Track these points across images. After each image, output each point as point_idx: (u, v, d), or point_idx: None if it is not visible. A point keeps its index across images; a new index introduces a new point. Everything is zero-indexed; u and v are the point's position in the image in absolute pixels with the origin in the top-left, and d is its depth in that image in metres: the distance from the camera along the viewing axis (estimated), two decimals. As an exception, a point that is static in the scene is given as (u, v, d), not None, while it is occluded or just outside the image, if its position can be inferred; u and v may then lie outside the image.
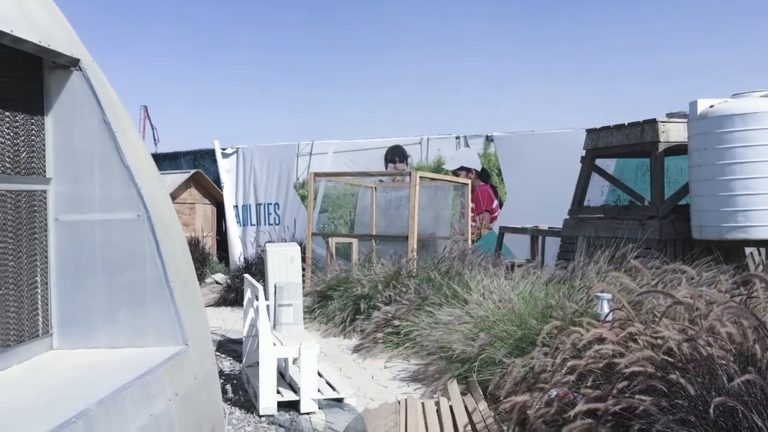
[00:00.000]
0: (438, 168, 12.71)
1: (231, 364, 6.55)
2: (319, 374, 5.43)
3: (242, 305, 9.38)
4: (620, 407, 3.20)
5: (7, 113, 3.26)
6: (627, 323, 3.83)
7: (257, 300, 5.26)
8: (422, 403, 4.68)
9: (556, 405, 3.77)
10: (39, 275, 3.53)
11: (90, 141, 3.58)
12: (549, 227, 10.13)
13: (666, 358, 3.35)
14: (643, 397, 3.17)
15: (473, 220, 12.03)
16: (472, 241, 11.25)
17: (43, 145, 3.57)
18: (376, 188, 12.37)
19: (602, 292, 4.70)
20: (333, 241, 10.73)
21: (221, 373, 5.99)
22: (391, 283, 8.04)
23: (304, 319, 6.58)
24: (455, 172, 12.53)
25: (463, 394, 4.84)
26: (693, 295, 3.93)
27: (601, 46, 48.57)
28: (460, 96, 53.88)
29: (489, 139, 12.46)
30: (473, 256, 8.48)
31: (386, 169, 13.24)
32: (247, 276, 6.21)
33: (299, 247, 6.32)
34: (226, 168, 14.60)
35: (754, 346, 3.27)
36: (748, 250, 7.92)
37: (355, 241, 10.80)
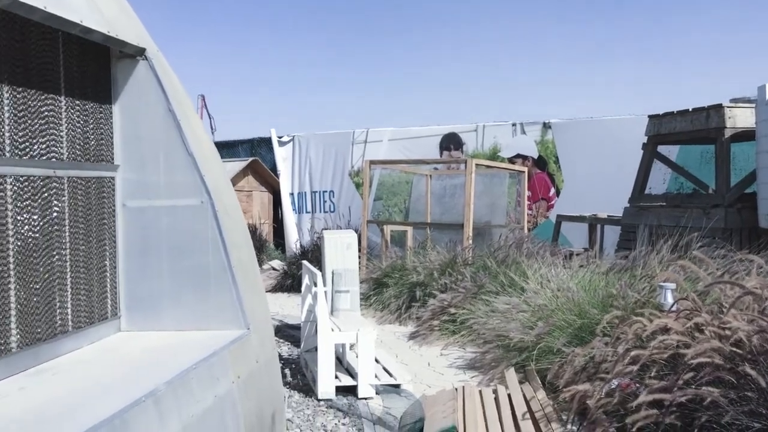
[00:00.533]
0: (494, 156, 12.59)
1: (289, 348, 6.65)
2: (376, 360, 5.46)
3: (299, 291, 9.51)
4: (686, 398, 3.13)
5: (77, 102, 3.36)
6: (693, 313, 3.73)
7: (315, 286, 5.32)
8: (480, 391, 4.67)
9: (618, 395, 3.71)
10: (108, 260, 3.64)
11: (155, 129, 3.66)
12: (608, 215, 9.94)
13: (735, 349, 3.26)
14: (710, 389, 3.08)
15: (529, 209, 11.89)
16: (528, 230, 11.12)
17: (111, 132, 3.67)
18: (431, 176, 12.33)
19: (666, 281, 4.59)
20: (388, 229, 10.75)
21: (280, 357, 6.09)
22: (447, 270, 8.03)
23: (360, 305, 6.62)
24: (511, 160, 12.40)
25: (520, 382, 4.80)
26: (763, 286, 3.81)
27: (660, 29, 47.18)
28: (518, 82, 53.16)
29: (546, 126, 12.27)
30: (530, 244, 8.39)
31: (441, 156, 13.18)
32: (305, 262, 6.28)
33: (356, 234, 6.36)
34: (282, 156, 14.77)
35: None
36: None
37: (409, 229, 10.81)
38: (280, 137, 14.81)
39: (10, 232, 2.88)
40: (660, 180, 10.69)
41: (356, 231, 7.11)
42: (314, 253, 10.76)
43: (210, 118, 22.31)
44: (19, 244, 2.94)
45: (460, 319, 6.82)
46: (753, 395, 3.06)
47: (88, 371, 3.01)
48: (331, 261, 6.06)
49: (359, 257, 8.00)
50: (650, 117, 9.29)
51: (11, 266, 2.88)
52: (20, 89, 2.96)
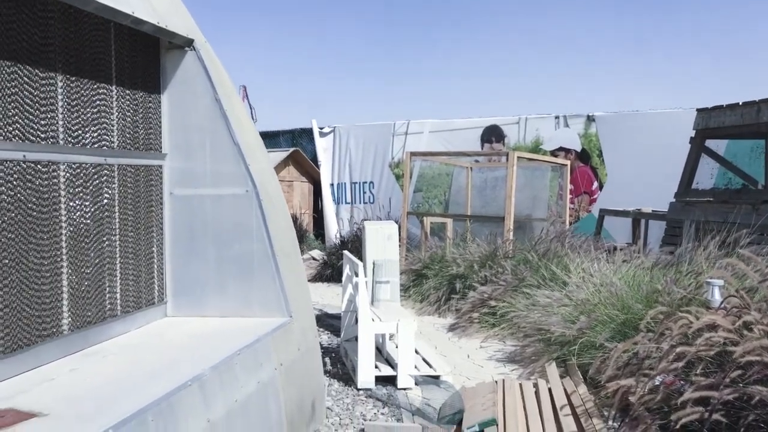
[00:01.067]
0: (536, 148, 12.46)
1: (329, 338, 6.70)
2: (416, 351, 5.47)
3: (338, 281, 9.56)
4: (733, 396, 3.07)
5: (127, 91, 3.43)
6: (742, 311, 3.65)
7: (356, 276, 5.35)
8: (520, 384, 4.64)
9: (662, 392, 3.66)
10: (155, 246, 3.72)
11: (202, 118, 3.72)
12: (652, 210, 9.76)
13: (785, 348, 3.18)
14: (759, 387, 3.02)
15: (571, 202, 11.74)
16: (570, 224, 10.99)
17: (159, 122, 3.74)
18: (471, 168, 12.27)
19: (713, 278, 4.50)
20: (428, 221, 10.73)
21: (320, 346, 6.14)
22: (487, 263, 7.99)
23: (399, 296, 6.63)
24: (554, 153, 12.25)
25: (561, 377, 4.76)
26: (816, 284, 3.70)
27: (708, 19, 45.99)
28: (560, 74, 52.45)
29: (590, 119, 12.09)
30: (573, 238, 8.29)
31: (482, 149, 13.10)
32: (346, 253, 6.32)
33: (396, 226, 6.37)
34: (323, 147, 14.84)
35: None
36: None
37: (449, 221, 10.77)
38: (320, 128, 14.88)
39: (63, 218, 2.96)
40: (707, 175, 10.45)
41: (396, 222, 7.13)
42: (354, 244, 10.81)
43: (251, 109, 22.55)
44: (71, 229, 3.02)
45: (500, 312, 6.79)
46: (803, 395, 2.98)
47: (136, 355, 3.08)
48: (372, 252, 6.08)
49: (399, 248, 8.01)
50: (698, 111, 9.09)
51: (64, 251, 2.97)
52: (73, 78, 3.03)
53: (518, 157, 9.69)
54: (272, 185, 4.00)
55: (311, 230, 15.33)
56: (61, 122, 2.95)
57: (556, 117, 12.52)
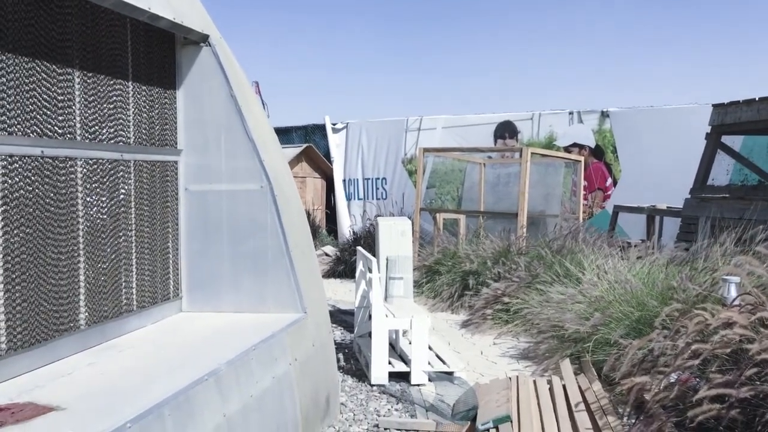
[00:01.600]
0: (549, 144, 12.40)
1: (342, 333, 6.71)
2: (429, 347, 5.47)
3: (351, 277, 9.57)
4: (751, 394, 3.05)
5: (143, 87, 3.44)
6: (758, 308, 3.62)
7: (370, 272, 5.35)
8: (534, 381, 4.63)
9: (677, 389, 3.64)
10: (171, 242, 3.74)
11: (217, 114, 3.73)
12: (667, 207, 9.70)
13: (802, 346, 3.15)
14: (777, 386, 3.00)
15: (585, 199, 11.69)
16: (583, 220, 10.94)
17: (175, 118, 3.76)
18: (484, 164, 12.24)
19: (729, 275, 4.47)
20: (441, 217, 10.72)
21: (333, 342, 6.15)
22: (500, 259, 7.97)
23: (413, 293, 6.63)
24: (567, 149, 12.19)
25: (575, 373, 4.75)
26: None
27: (724, 13, 45.57)
28: (575, 70, 52.13)
29: (604, 115, 12.02)
30: (587, 234, 8.26)
31: (495, 145, 13.06)
32: (360, 249, 6.32)
33: (410, 222, 6.36)
34: (336, 143, 14.86)
35: None
36: None
37: (462, 217, 10.76)
38: (333, 124, 14.89)
39: (80, 214, 2.99)
40: (723, 171, 10.37)
41: (409, 218, 7.12)
42: (366, 240, 10.82)
43: (264, 105, 22.61)
44: (88, 225, 3.04)
45: (513, 309, 6.78)
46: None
47: (152, 349, 3.10)
48: (386, 247, 6.08)
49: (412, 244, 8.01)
50: (714, 106, 9.01)
51: (81, 246, 2.99)
52: (90, 74, 3.05)
53: (532, 153, 9.66)
54: (286, 181, 4.01)
55: (324, 226, 15.35)
56: (78, 118, 2.97)
57: (570, 113, 12.46)
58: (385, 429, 4.10)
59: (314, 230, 13.96)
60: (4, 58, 2.56)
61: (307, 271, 3.92)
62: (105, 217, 3.17)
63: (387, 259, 6.01)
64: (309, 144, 15.30)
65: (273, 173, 3.74)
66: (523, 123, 12.90)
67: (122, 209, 3.31)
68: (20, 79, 2.64)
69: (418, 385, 4.97)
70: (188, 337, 3.34)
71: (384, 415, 4.33)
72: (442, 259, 8.86)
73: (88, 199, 3.04)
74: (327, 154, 15.10)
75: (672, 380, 3.75)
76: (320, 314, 4.01)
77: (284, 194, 3.82)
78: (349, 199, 14.84)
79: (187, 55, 3.75)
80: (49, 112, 2.79)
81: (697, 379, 3.68)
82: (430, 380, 5.06)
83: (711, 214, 8.14)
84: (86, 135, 3.03)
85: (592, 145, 12.14)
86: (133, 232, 3.40)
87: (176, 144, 3.77)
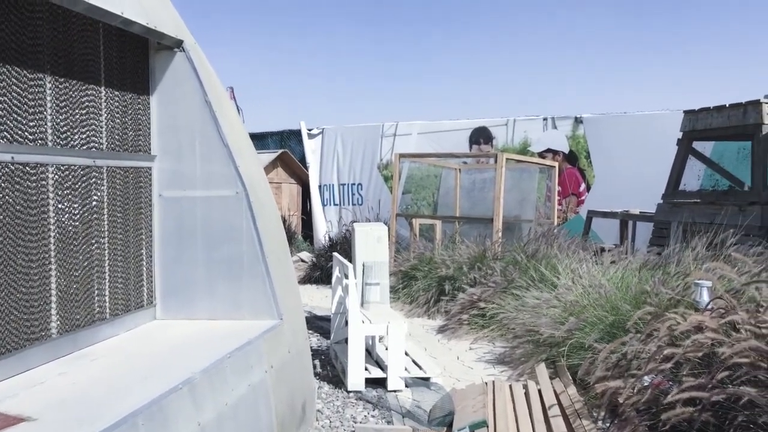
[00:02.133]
0: (524, 150, 12.51)
1: (318, 340, 6.69)
2: (406, 353, 5.47)
3: (327, 283, 9.54)
4: (722, 397, 3.09)
5: (116, 93, 3.41)
6: (729, 312, 3.68)
7: (346, 278, 5.34)
8: (510, 386, 4.65)
9: (650, 393, 3.68)
10: (144, 249, 3.70)
11: (192, 120, 3.71)
12: (640, 212, 9.83)
13: (772, 348, 3.21)
14: (748, 388, 3.04)
15: (559, 204, 11.80)
16: (558, 225, 11.04)
17: (149, 123, 3.73)
18: (460, 170, 12.30)
19: (701, 279, 4.54)
20: (417, 222, 10.75)
21: (310, 348, 6.13)
22: (476, 265, 8.00)
23: (389, 298, 6.63)
24: (541, 155, 12.30)
25: (551, 378, 4.78)
26: (802, 285, 3.74)
27: (694, 21, 46.29)
28: (548, 77, 52.65)
29: (578, 121, 12.15)
30: (561, 239, 8.33)
31: (471, 150, 13.13)
32: (336, 254, 6.31)
33: (386, 227, 6.36)
34: (311, 148, 14.84)
35: None
36: None
37: (438, 223, 10.79)
38: (309, 130, 14.87)
39: (52, 221, 2.94)
40: (694, 176, 10.54)
41: (385, 224, 7.11)
42: (342, 246, 10.80)
43: (239, 110, 22.50)
44: (59, 232, 2.99)
45: (489, 314, 6.81)
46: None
47: (125, 358, 3.06)
48: (362, 253, 6.07)
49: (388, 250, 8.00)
50: (685, 112, 9.16)
51: (52, 254, 2.94)
52: (62, 80, 3.01)
53: (506, 159, 9.73)
54: (262, 187, 3.99)
55: (300, 232, 15.30)
56: (49, 124, 2.93)
57: (544, 119, 12.57)
58: (362, 435, 4.09)
59: (290, 236, 13.91)
60: (-27, 62, 2.51)
61: (283, 277, 3.90)
62: (77, 224, 3.13)
63: (363, 265, 6.00)
64: (284, 150, 15.26)
65: (248, 179, 3.72)
66: (497, 129, 13.00)
67: (95, 216, 3.26)
68: (-10, 84, 2.60)
69: (395, 391, 4.97)
70: (162, 345, 3.30)
71: (360, 422, 4.32)
72: (418, 264, 8.87)
73: (59, 205, 3.00)
74: (302, 160, 15.06)
75: (645, 384, 3.79)
76: (296, 321, 3.99)
77: (260, 200, 3.80)
78: (324, 204, 14.82)
79: (161, 61, 3.71)
80: (19, 118, 2.75)
81: (670, 383, 3.72)
82: (406, 386, 5.06)
83: (683, 218, 8.26)
84: (58, 141, 2.99)
85: (566, 151, 12.27)
86: (106, 239, 3.36)
87: (150, 150, 3.74)
